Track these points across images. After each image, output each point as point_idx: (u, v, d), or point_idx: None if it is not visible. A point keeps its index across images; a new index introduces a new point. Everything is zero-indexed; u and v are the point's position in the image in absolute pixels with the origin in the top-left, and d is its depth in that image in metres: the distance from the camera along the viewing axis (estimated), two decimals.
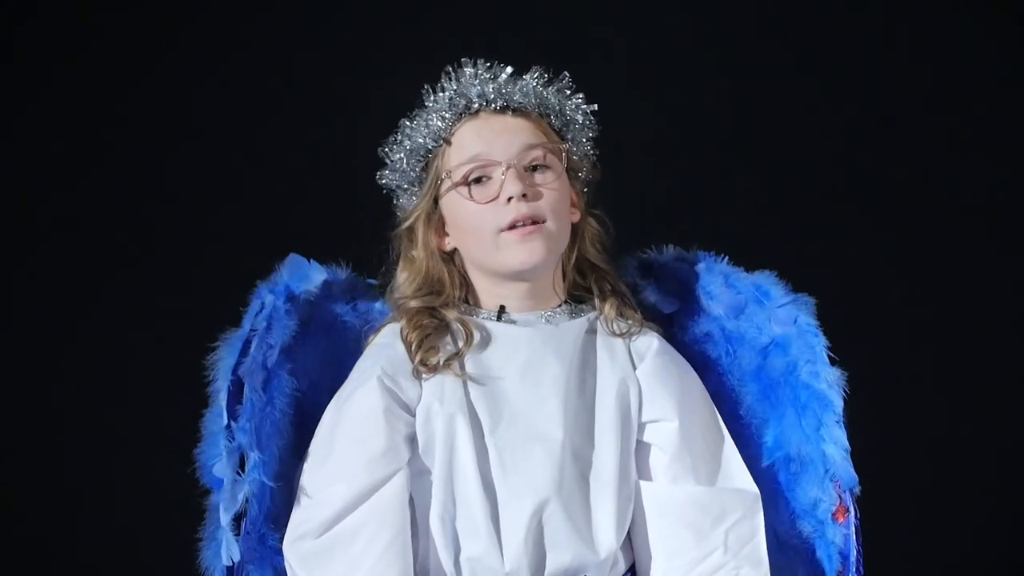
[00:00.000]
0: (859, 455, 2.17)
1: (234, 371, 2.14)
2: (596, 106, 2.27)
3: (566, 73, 2.26)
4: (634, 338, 2.23)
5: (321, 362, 2.24)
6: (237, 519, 2.10)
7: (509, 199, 2.17)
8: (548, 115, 2.24)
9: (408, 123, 2.25)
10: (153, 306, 3.16)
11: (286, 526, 2.13)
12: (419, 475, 2.14)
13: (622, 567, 2.16)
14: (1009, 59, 3.24)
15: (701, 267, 2.30)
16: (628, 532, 2.17)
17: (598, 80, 2.30)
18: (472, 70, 2.23)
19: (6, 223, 3.20)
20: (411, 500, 2.13)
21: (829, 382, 2.19)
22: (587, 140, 2.27)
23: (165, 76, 3.21)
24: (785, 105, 3.25)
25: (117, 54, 3.20)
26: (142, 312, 3.15)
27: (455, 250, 2.25)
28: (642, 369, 2.21)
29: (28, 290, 3.19)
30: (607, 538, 2.12)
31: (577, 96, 2.26)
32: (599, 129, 2.28)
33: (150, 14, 3.20)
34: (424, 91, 2.25)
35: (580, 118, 2.26)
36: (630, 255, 2.33)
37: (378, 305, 2.30)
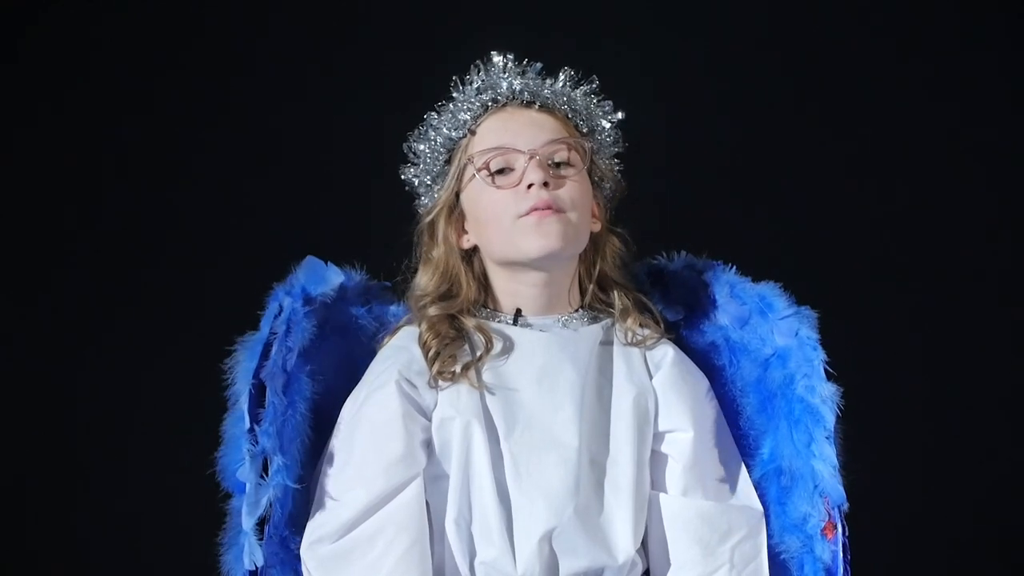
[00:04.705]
0: (853, 471, 2.22)
1: (255, 375, 2.16)
2: (622, 114, 2.28)
3: (595, 77, 2.27)
4: (650, 347, 2.27)
5: (336, 364, 2.27)
6: (260, 523, 2.12)
7: (529, 186, 2.20)
8: (575, 117, 2.26)
9: (435, 114, 2.27)
10: (170, 309, 3.16)
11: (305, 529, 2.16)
12: (435, 480, 2.18)
13: (640, 570, 2.22)
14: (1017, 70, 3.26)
15: (709, 276, 2.33)
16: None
17: (609, 82, 2.31)
18: (502, 62, 2.25)
19: (25, 225, 3.19)
20: (427, 504, 2.17)
21: (823, 397, 2.22)
22: (612, 154, 2.30)
23: (180, 78, 3.18)
24: (796, 116, 3.27)
25: (134, 55, 3.17)
26: (159, 316, 3.16)
27: (474, 248, 2.28)
28: (658, 378, 2.26)
29: (46, 293, 3.19)
30: (625, 543, 2.18)
31: (605, 103, 2.28)
32: (626, 145, 2.29)
33: (166, 17, 3.15)
34: (452, 83, 2.25)
35: (607, 126, 2.28)
36: (639, 260, 2.35)
37: (393, 307, 2.33)
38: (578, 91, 2.27)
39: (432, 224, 2.28)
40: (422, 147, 2.27)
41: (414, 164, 2.29)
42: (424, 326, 2.23)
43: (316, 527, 2.16)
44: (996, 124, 3.28)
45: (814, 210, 3.26)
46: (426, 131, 2.27)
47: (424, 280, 2.27)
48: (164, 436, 3.10)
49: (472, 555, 2.17)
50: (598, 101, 2.28)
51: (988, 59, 3.27)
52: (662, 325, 2.30)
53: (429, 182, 2.28)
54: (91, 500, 3.19)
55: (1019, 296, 3.31)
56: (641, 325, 2.28)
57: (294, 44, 3.21)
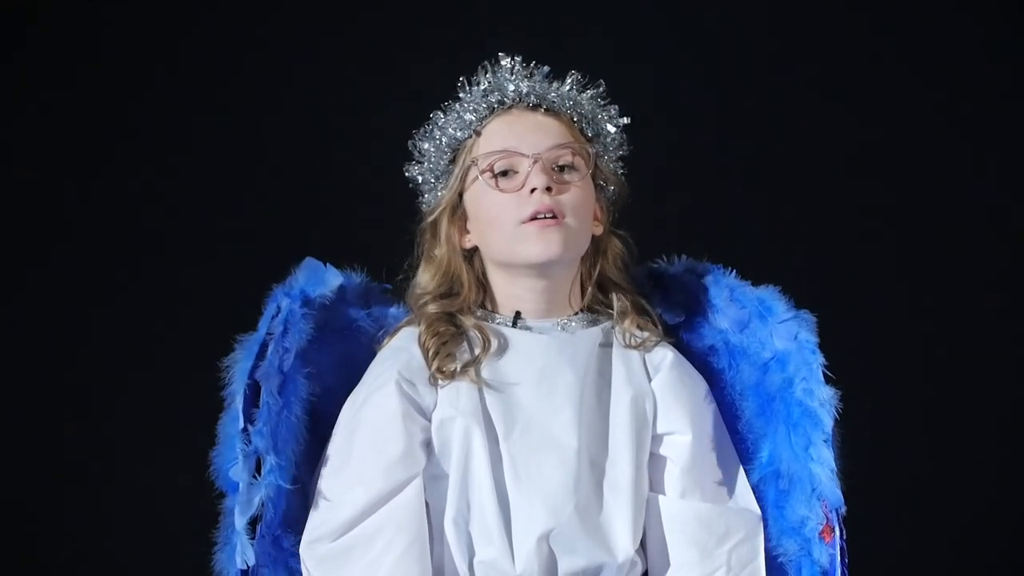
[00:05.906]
0: (851, 473, 2.21)
1: (250, 375, 2.17)
2: (628, 119, 2.29)
3: (601, 81, 2.28)
4: (649, 350, 2.27)
5: (334, 366, 2.28)
6: (252, 523, 2.13)
7: (532, 190, 2.21)
8: (580, 121, 2.27)
9: (441, 114, 2.28)
10: (169, 309, 3.17)
11: (301, 528, 2.18)
12: (434, 479, 2.19)
13: (639, 570, 2.22)
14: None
15: (709, 279, 2.32)
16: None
17: (610, 83, 2.31)
18: (509, 64, 2.26)
19: (22, 225, 3.21)
20: (426, 504, 2.18)
21: (821, 401, 2.21)
22: (616, 157, 2.30)
23: (177, 79, 3.19)
24: (797, 118, 3.27)
25: (129, 57, 3.19)
26: (158, 315, 3.17)
27: (475, 249, 2.28)
28: (657, 381, 2.26)
29: (44, 293, 3.20)
30: (624, 542, 2.18)
31: (612, 107, 2.29)
32: (630, 148, 2.30)
33: (161, 16, 3.18)
34: (459, 83, 2.27)
35: (612, 130, 2.29)
36: (640, 263, 2.35)
37: (392, 310, 2.34)
38: (584, 95, 2.28)
39: (435, 223, 2.29)
40: (427, 146, 2.28)
41: (419, 162, 2.30)
42: (423, 326, 2.24)
43: (315, 526, 2.16)
44: (997, 123, 3.27)
45: (814, 214, 3.26)
46: (431, 130, 2.28)
47: (425, 278, 2.28)
48: (162, 434, 3.10)
49: (471, 554, 2.17)
50: (604, 105, 2.29)
51: (990, 58, 3.27)
52: (660, 328, 2.30)
53: (433, 181, 2.29)
54: (89, 499, 3.19)
55: (1020, 297, 3.30)
56: (639, 327, 2.28)
57: (295, 43, 3.22)
